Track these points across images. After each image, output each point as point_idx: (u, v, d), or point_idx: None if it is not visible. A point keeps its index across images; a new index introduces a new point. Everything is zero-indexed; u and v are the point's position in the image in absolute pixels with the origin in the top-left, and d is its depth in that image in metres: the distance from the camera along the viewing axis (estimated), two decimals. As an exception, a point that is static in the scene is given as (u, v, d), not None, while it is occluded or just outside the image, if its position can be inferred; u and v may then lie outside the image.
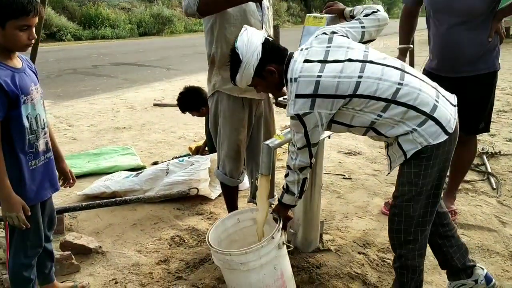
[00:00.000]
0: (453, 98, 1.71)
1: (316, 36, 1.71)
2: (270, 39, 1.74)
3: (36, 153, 1.70)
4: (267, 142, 1.94)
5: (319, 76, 1.55)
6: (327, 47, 1.63)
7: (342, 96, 1.56)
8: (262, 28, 2.24)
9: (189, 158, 3.39)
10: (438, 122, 1.56)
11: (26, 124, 1.63)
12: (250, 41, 1.67)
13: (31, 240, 1.76)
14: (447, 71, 2.50)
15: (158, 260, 2.38)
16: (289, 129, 2.13)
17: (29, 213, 1.66)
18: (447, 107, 1.61)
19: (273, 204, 2.60)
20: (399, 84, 1.56)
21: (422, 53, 3.98)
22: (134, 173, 3.38)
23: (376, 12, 1.80)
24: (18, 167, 1.64)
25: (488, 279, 1.95)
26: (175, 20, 20.27)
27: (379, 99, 1.56)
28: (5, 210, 1.62)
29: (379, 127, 1.63)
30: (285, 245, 1.87)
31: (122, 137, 4.77)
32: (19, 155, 1.63)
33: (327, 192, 3.24)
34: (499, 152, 3.93)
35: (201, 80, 6.69)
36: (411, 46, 2.74)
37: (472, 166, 3.44)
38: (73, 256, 2.28)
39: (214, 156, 2.95)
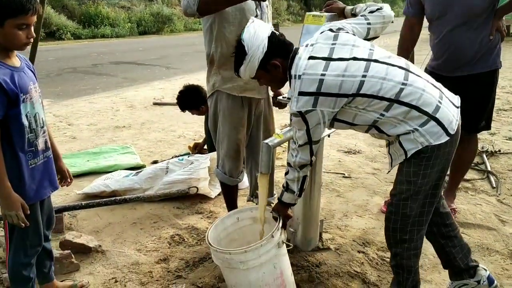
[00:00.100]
0: (457, 100, 1.70)
1: (321, 32, 1.69)
2: (277, 33, 1.73)
3: (36, 152, 1.70)
4: (266, 141, 1.94)
5: (323, 75, 1.55)
6: (332, 44, 1.62)
7: (345, 95, 1.56)
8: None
9: (188, 157, 3.38)
10: (440, 123, 1.56)
11: (26, 123, 1.63)
12: (257, 33, 1.66)
13: (30, 239, 1.76)
14: (448, 71, 2.50)
15: (158, 259, 2.38)
16: (288, 128, 2.13)
17: (28, 212, 1.66)
18: (450, 108, 1.61)
19: (273, 203, 2.61)
20: (403, 84, 1.56)
21: (422, 52, 3.98)
22: (134, 172, 3.38)
23: (380, 9, 1.80)
24: (17, 166, 1.64)
25: (490, 280, 1.94)
26: (174, 19, 20.25)
27: (382, 98, 1.56)
28: (4, 208, 1.62)
29: (381, 125, 1.63)
30: (284, 244, 1.87)
31: (122, 136, 4.77)
32: (18, 154, 1.63)
33: (326, 190, 3.24)
34: (499, 150, 3.93)
35: (200, 79, 6.68)
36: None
37: (472, 164, 3.43)
38: (72, 255, 2.28)
39: (214, 155, 2.95)
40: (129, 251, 2.47)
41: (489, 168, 3.51)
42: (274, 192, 2.73)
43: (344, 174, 3.58)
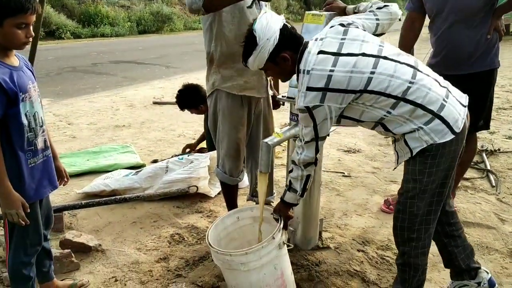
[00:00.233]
0: (464, 99, 1.69)
1: (331, 27, 1.68)
2: (289, 25, 1.72)
3: (35, 151, 1.70)
4: (266, 140, 1.94)
5: (332, 71, 1.54)
6: (342, 39, 1.61)
7: (353, 91, 1.56)
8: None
9: (188, 156, 3.38)
10: (444, 121, 1.56)
11: (25, 122, 1.63)
12: (269, 25, 1.65)
13: (30, 238, 1.77)
14: (447, 69, 2.50)
15: (158, 258, 2.38)
16: (288, 127, 2.13)
17: (28, 210, 1.66)
18: (456, 106, 1.60)
19: (272, 202, 2.61)
20: (410, 82, 1.55)
21: (422, 51, 3.98)
22: (134, 171, 3.38)
23: (387, 6, 1.80)
24: (17, 165, 1.64)
25: (491, 283, 1.94)
26: (174, 18, 20.22)
27: (389, 96, 1.55)
28: (5, 207, 1.63)
29: (387, 123, 1.63)
30: (285, 245, 1.86)
31: (122, 135, 4.77)
32: (18, 153, 1.63)
33: (326, 189, 3.24)
34: (499, 149, 3.93)
35: (200, 78, 6.67)
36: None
37: (472, 163, 3.44)
38: (72, 254, 2.28)
39: (214, 154, 2.95)
40: (129, 250, 2.47)
41: (488, 167, 3.51)
42: (274, 191, 2.73)
43: (343, 173, 3.58)
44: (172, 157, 3.64)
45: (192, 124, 5.08)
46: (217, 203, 3.05)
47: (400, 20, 1.86)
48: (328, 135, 1.70)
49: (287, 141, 2.23)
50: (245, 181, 2.95)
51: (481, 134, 4.11)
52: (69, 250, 2.30)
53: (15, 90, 1.58)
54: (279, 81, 2.64)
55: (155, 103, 6.36)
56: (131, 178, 3.22)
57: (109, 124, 5.25)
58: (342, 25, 1.67)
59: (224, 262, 1.80)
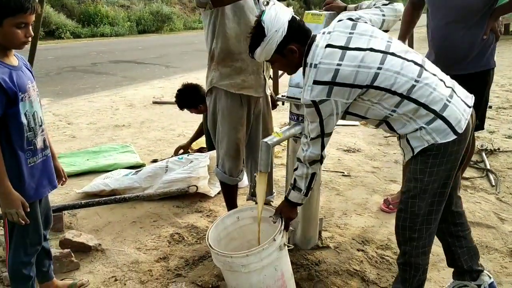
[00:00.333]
0: (470, 99, 1.68)
1: (339, 21, 1.68)
2: (297, 18, 1.71)
3: (35, 151, 1.70)
4: (265, 139, 1.94)
5: (339, 65, 1.54)
6: (350, 33, 1.60)
7: (359, 86, 1.55)
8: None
9: (188, 155, 3.39)
10: (447, 122, 1.55)
11: (24, 121, 1.63)
12: (278, 16, 1.64)
13: (30, 237, 1.77)
14: (443, 67, 2.50)
15: (158, 258, 2.38)
16: (287, 127, 2.13)
17: (28, 210, 1.66)
18: (459, 107, 1.59)
19: (272, 202, 2.61)
20: (416, 81, 1.55)
21: (422, 50, 3.98)
22: (133, 171, 3.38)
23: (392, 3, 1.80)
24: (17, 164, 1.64)
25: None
26: (174, 18, 20.21)
27: (394, 93, 1.55)
28: (4, 207, 1.63)
29: (392, 122, 1.63)
30: (286, 246, 1.86)
31: (121, 135, 4.77)
32: (18, 153, 1.63)
33: (326, 189, 3.24)
34: (498, 149, 3.93)
35: (200, 77, 6.68)
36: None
37: (471, 163, 3.44)
38: (72, 254, 2.29)
39: (213, 153, 2.95)
40: (128, 250, 2.47)
41: (488, 166, 3.51)
42: (273, 191, 2.73)
43: (343, 172, 3.58)
44: (171, 156, 3.65)
45: (192, 124, 5.08)
46: (217, 203, 3.05)
47: (400, 20, 1.85)
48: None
49: (286, 141, 2.23)
50: (244, 181, 2.95)
51: (481, 134, 4.11)
52: (68, 249, 2.30)
53: (14, 89, 1.58)
54: (279, 81, 2.64)
55: (154, 102, 6.36)
56: (131, 177, 3.22)
57: (109, 123, 5.25)
58: (350, 19, 1.66)
59: (225, 263, 1.80)
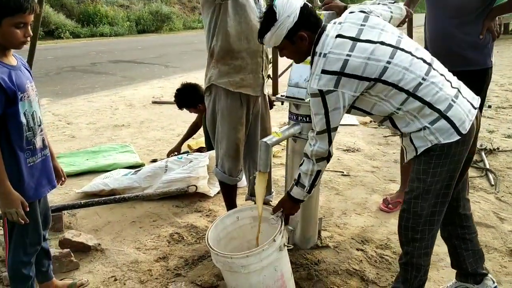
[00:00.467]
0: (476, 101, 1.67)
1: (350, 12, 1.67)
2: (309, 5, 1.70)
3: (34, 150, 1.70)
4: (265, 139, 1.94)
5: (349, 55, 1.53)
6: (362, 25, 1.60)
7: (367, 79, 1.54)
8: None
9: (187, 155, 3.39)
10: (450, 122, 1.54)
11: (24, 121, 1.63)
12: (290, 2, 1.62)
13: (30, 237, 1.77)
14: None
15: (157, 257, 2.38)
16: (287, 126, 2.13)
17: (28, 209, 1.67)
18: (464, 108, 1.58)
19: (271, 201, 2.61)
20: (423, 79, 1.54)
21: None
22: (133, 170, 3.38)
23: (397, 2, 1.81)
24: (16, 164, 1.64)
25: None
26: (173, 18, 20.23)
27: (401, 89, 1.54)
28: (4, 206, 1.63)
29: (396, 119, 1.62)
30: (285, 246, 1.86)
31: (121, 135, 4.77)
32: (17, 153, 1.63)
33: (325, 189, 3.24)
34: (498, 148, 3.94)
35: (199, 77, 6.68)
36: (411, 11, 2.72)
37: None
38: (72, 254, 2.28)
39: (213, 153, 2.95)
40: (128, 250, 2.47)
41: (487, 166, 3.52)
42: (272, 190, 2.74)
43: (343, 172, 3.58)
44: (171, 156, 3.65)
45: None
46: (216, 203, 3.05)
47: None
48: None
49: (286, 141, 2.23)
50: (243, 181, 2.95)
51: (480, 133, 4.11)
52: (68, 249, 2.30)
53: (13, 89, 1.58)
54: (278, 81, 2.64)
55: (154, 102, 6.36)
56: (130, 177, 3.22)
57: (108, 123, 5.25)
58: (362, 12, 1.66)
59: (225, 264, 1.80)
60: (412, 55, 1.57)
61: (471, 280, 1.93)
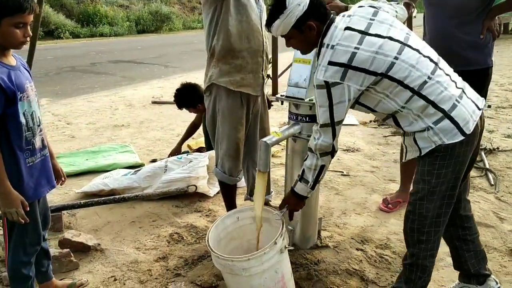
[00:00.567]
0: (481, 102, 1.67)
1: (359, 6, 1.67)
2: None
3: (33, 150, 1.70)
4: (264, 139, 1.94)
5: (357, 48, 1.52)
6: (371, 19, 1.60)
7: (374, 73, 1.53)
8: (261, 23, 2.24)
9: (187, 155, 3.39)
10: (454, 122, 1.54)
11: (23, 121, 1.63)
12: None
13: (30, 237, 1.77)
14: None
15: (157, 257, 2.38)
16: (286, 126, 2.13)
17: (28, 209, 1.67)
18: (468, 108, 1.58)
19: (270, 201, 2.62)
20: (429, 77, 1.54)
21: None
22: (133, 170, 3.38)
23: (398, 4, 1.83)
24: (16, 164, 1.64)
25: None
26: (173, 18, 20.24)
27: (407, 87, 1.54)
28: (4, 206, 1.63)
29: (400, 118, 1.62)
30: (286, 249, 1.85)
31: (121, 135, 4.77)
32: (17, 152, 1.63)
33: (325, 188, 3.24)
34: (497, 148, 3.94)
35: (199, 77, 6.69)
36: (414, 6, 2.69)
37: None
38: (72, 254, 2.28)
39: (213, 153, 2.95)
40: (128, 250, 2.47)
41: (487, 166, 3.52)
42: (271, 190, 2.74)
43: (342, 172, 3.58)
44: (169, 156, 3.65)
45: (191, 124, 5.08)
46: (216, 203, 3.05)
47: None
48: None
49: (285, 141, 2.23)
50: (243, 181, 2.95)
51: (480, 133, 4.11)
52: (68, 249, 2.30)
53: (13, 89, 1.58)
54: (278, 80, 2.65)
55: (154, 102, 6.36)
56: (130, 177, 3.22)
57: (108, 123, 5.25)
58: (372, 6, 1.66)
59: (225, 266, 1.79)
60: (420, 52, 1.57)
61: (474, 281, 1.92)
